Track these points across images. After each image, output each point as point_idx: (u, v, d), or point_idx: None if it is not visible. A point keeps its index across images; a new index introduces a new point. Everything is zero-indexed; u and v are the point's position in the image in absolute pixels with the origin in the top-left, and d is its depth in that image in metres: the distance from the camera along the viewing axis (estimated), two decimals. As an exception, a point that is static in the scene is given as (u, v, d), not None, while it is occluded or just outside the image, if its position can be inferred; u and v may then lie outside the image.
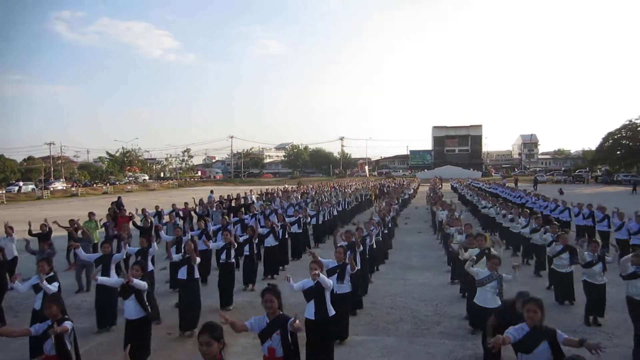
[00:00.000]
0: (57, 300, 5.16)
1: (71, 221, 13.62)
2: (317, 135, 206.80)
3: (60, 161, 74.33)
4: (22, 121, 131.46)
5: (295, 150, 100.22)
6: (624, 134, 60.48)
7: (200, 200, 20.72)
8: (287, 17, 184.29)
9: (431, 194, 26.78)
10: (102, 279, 7.04)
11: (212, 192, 27.69)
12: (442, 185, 46.25)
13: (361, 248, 8.62)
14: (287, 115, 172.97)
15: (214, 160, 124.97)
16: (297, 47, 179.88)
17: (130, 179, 72.66)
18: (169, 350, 6.95)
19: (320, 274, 5.60)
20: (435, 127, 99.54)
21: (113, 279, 7.40)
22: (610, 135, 62.73)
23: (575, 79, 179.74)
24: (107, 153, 71.26)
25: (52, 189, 58.28)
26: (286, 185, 40.31)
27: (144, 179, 76.44)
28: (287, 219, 13.89)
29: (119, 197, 22.68)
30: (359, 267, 8.32)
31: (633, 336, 6.23)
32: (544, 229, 10.74)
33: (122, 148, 72.70)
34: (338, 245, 7.52)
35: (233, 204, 22.17)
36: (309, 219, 15.85)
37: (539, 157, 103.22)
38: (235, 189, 56.42)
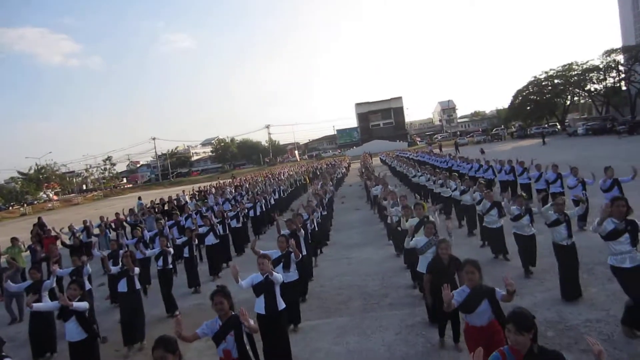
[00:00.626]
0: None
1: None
2: (242, 126, 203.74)
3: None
4: None
5: (222, 144, 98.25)
6: (531, 90, 64.75)
7: (130, 209, 19.90)
8: (196, 11, 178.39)
9: (363, 170, 27.43)
10: (37, 306, 6.58)
11: (140, 198, 26.49)
12: (372, 160, 47.45)
13: (303, 233, 8.70)
14: (208, 109, 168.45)
15: (138, 165, 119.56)
16: (209, 40, 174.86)
17: (44, 196, 68.01)
18: (120, 369, 6.70)
19: (274, 272, 5.61)
20: (357, 104, 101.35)
21: (49, 304, 6.94)
22: (519, 92, 66.92)
23: (484, 42, 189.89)
24: (19, 172, 65.87)
25: (-40, 218, 53.16)
26: (220, 181, 39.50)
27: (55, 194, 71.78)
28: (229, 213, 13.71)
29: (40, 218, 21.15)
30: (304, 253, 8.43)
31: (559, 278, 6.82)
32: (472, 190, 11.32)
33: (36, 165, 67.61)
34: (279, 234, 7.55)
35: (166, 207, 21.51)
36: (247, 211, 15.74)
37: (458, 121, 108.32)
38: (165, 192, 54.64)
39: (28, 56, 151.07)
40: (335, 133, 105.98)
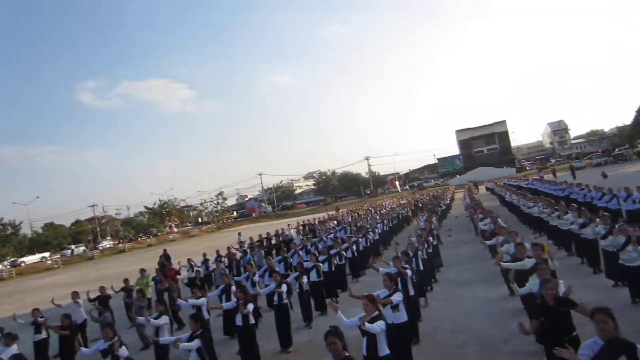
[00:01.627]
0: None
1: (125, 281, 14.11)
2: (342, 158, 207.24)
3: (104, 220, 77.06)
4: (64, 189, 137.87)
5: (323, 177, 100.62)
6: (660, 103, 57.95)
7: (241, 242, 20.97)
8: (292, 50, 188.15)
9: (468, 201, 26.35)
10: (163, 340, 7.28)
11: (239, 234, 27.18)
12: (477, 189, 45.40)
13: (409, 273, 8.50)
14: (309, 144, 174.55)
15: (246, 199, 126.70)
16: (306, 77, 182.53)
17: (167, 229, 74.78)
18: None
19: (366, 323, 5.38)
20: (458, 131, 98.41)
21: (167, 339, 7.67)
22: (644, 105, 60.06)
23: (594, 56, 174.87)
24: (145, 207, 73.51)
25: (101, 248, 60.28)
26: (327, 213, 40.23)
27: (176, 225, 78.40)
28: (331, 251, 13.84)
29: (165, 250, 23.20)
30: (411, 293, 8.25)
31: None
32: (595, 222, 10.14)
33: (159, 200, 74.96)
34: (383, 272, 7.48)
35: (273, 242, 22.35)
36: (352, 246, 15.75)
37: (572, 142, 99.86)
38: (272, 225, 57.06)
39: (152, 104, 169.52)
40: (436, 161, 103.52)
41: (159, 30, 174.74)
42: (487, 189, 46.08)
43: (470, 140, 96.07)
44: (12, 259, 52.43)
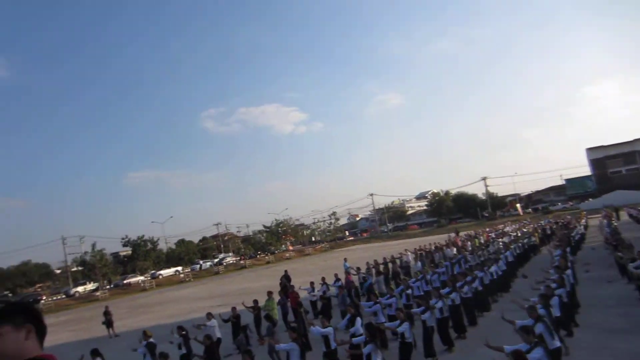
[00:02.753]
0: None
1: (255, 301, 15.07)
2: (457, 179, 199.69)
3: (226, 237, 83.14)
4: (192, 208, 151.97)
5: (437, 198, 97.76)
6: None
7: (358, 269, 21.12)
8: (402, 68, 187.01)
9: (608, 232, 23.73)
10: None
11: (345, 260, 26.16)
12: (617, 216, 40.70)
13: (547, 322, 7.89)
14: (421, 164, 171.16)
15: (357, 219, 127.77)
16: (417, 95, 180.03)
17: (283, 247, 78.20)
18: None
19: None
20: (590, 149, 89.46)
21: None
22: None
23: None
24: (264, 226, 77.94)
25: (225, 263, 64.91)
26: (448, 237, 38.84)
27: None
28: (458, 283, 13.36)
29: (286, 271, 24.28)
30: (556, 345, 7.65)
31: None
32: None
33: (275, 220, 79.05)
34: (519, 326, 7.09)
35: (390, 267, 22.16)
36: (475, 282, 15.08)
37: None
38: (383, 246, 56.78)
39: (266, 127, 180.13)
40: (564, 182, 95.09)
41: (269, 56, 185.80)
42: (631, 216, 41.03)
43: (604, 160, 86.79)
44: (152, 272, 58.65)
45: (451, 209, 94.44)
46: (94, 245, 55.56)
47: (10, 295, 61.44)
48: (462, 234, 41.96)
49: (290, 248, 79.59)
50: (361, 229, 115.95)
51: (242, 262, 64.93)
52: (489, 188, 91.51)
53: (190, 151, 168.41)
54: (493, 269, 16.11)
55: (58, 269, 78.13)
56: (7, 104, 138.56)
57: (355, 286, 18.41)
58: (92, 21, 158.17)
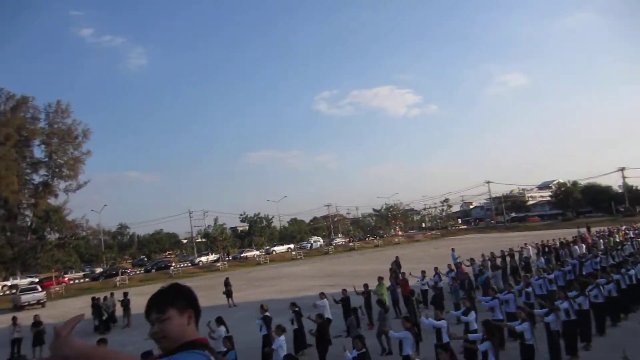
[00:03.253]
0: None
1: (365, 285, 15.22)
2: (587, 168, 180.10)
3: (336, 219, 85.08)
4: (304, 188, 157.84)
5: (563, 189, 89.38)
6: None
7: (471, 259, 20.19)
8: (527, 46, 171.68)
9: None
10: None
11: (453, 250, 25.44)
12: None
13: None
14: (546, 150, 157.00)
15: (471, 207, 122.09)
16: (544, 75, 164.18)
17: (392, 232, 77.78)
18: None
19: None
20: None
21: None
22: None
23: None
24: (373, 209, 78.20)
25: (334, 244, 66.61)
26: (577, 232, 35.72)
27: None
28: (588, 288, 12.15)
29: (397, 257, 24.08)
30: None
31: None
32: None
33: (385, 204, 78.77)
34: None
35: (508, 261, 20.84)
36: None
37: None
38: (500, 237, 53.66)
39: (379, 110, 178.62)
40: None
41: (382, 38, 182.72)
42: None
43: None
44: (266, 247, 62.23)
45: (579, 201, 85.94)
46: (216, 220, 60.34)
47: (145, 259, 69.43)
48: (593, 230, 38.07)
49: (400, 233, 78.92)
50: (475, 218, 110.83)
51: (351, 244, 66.01)
52: (627, 180, 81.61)
53: (304, 133, 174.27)
54: (633, 272, 14.38)
55: (185, 239, 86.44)
56: (145, 88, 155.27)
57: (469, 278, 17.63)
58: (216, 13, 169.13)
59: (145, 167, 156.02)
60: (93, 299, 20.56)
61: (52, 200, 59.63)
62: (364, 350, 7.69)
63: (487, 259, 20.72)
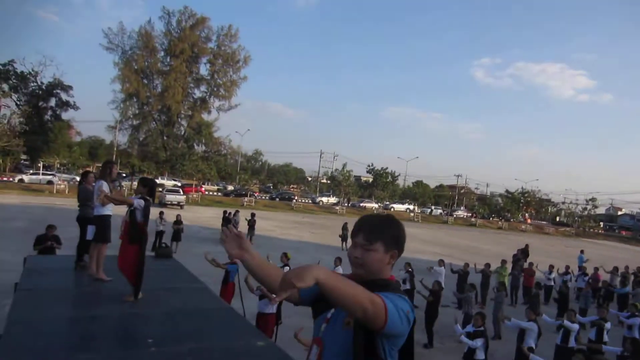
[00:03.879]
0: None
1: (487, 264, 14.41)
2: None
3: (463, 191, 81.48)
4: (436, 153, 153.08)
5: None
6: None
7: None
8: None
9: None
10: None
11: (582, 252, 22.94)
12: None
13: None
14: None
15: (619, 213, 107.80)
16: None
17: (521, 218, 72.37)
18: None
19: None
20: None
21: None
22: None
23: None
24: (506, 190, 72.98)
25: (455, 215, 64.38)
26: None
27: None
28: None
29: (527, 245, 22.47)
30: None
31: None
32: None
33: (522, 188, 72.92)
34: None
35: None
36: None
37: None
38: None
39: (541, 88, 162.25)
40: None
41: (562, 9, 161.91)
42: None
43: None
44: (386, 202, 62.26)
45: None
46: (344, 165, 61.56)
47: (272, 188, 74.10)
48: None
49: (528, 221, 73.15)
50: (620, 226, 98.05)
51: (472, 219, 63.12)
52: None
53: (452, 96, 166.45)
54: None
55: (310, 177, 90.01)
56: (308, 27, 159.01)
57: (609, 287, 15.65)
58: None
59: (290, 101, 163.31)
60: (224, 212, 22.51)
61: (205, 116, 65.84)
62: (482, 327, 7.25)
63: (632, 272, 18.23)
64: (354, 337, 1.72)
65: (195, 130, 62.04)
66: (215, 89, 65.47)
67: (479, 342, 7.19)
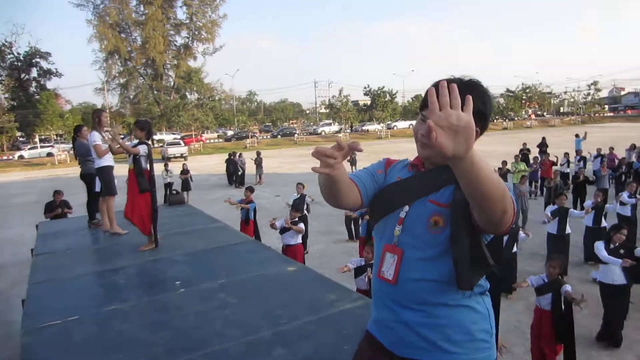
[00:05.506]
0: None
1: (503, 162, 14.14)
2: None
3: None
4: (436, 61, 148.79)
5: None
6: None
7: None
8: None
9: None
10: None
11: (577, 135, 20.92)
12: None
13: None
14: None
15: (623, 93, 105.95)
16: None
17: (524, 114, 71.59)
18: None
19: None
20: None
21: None
22: None
23: None
24: (507, 89, 71.53)
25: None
26: None
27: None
28: None
29: (543, 138, 22.16)
30: None
31: None
32: None
33: (522, 84, 71.34)
34: None
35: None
36: None
37: None
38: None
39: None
40: None
41: None
42: None
43: None
44: (388, 122, 61.42)
45: None
46: (340, 91, 60.16)
47: (272, 126, 73.20)
48: None
49: (532, 117, 72.35)
50: (625, 105, 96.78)
51: (477, 124, 62.40)
52: None
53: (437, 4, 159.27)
54: None
55: (307, 109, 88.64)
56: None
57: (627, 163, 15.11)
58: None
59: (275, 35, 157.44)
60: (229, 154, 22.19)
61: (191, 63, 63.73)
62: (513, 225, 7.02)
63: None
64: (453, 240, 1.36)
65: (185, 79, 60.37)
66: (196, 33, 62.88)
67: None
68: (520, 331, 5.72)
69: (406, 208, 1.49)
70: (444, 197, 1.41)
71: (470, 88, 1.37)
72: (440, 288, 1.42)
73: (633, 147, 17.46)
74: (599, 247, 5.78)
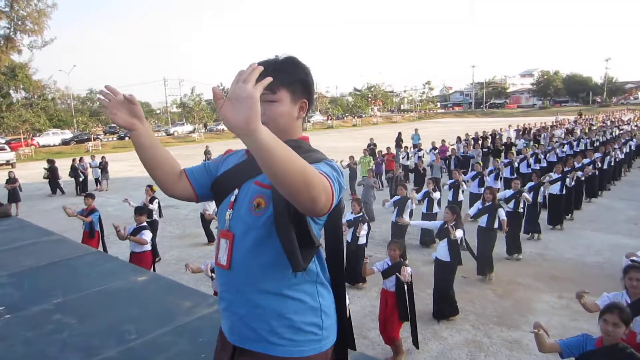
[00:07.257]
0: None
1: (351, 157, 15.03)
2: (572, 58, 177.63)
3: (315, 96, 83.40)
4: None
5: (545, 77, 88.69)
6: None
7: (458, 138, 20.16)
8: None
9: None
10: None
11: (416, 131, 25.07)
12: None
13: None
14: (535, 38, 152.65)
15: (451, 91, 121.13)
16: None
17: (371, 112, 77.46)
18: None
19: None
20: None
21: None
22: None
23: None
24: (354, 88, 76.67)
25: (312, 121, 66.10)
26: (555, 119, 36.34)
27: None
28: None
29: (399, 133, 24.31)
30: None
31: None
32: None
33: (367, 83, 77.18)
34: None
35: (492, 142, 20.88)
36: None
37: None
38: (478, 122, 54.04)
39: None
40: None
41: None
42: None
43: None
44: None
45: (559, 91, 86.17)
46: (192, 89, 58.23)
47: (118, 127, 67.88)
48: (571, 117, 38.55)
49: (378, 114, 78.63)
50: (452, 103, 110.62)
51: (329, 122, 65.62)
52: (608, 71, 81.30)
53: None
54: (613, 154, 14.75)
55: (158, 109, 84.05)
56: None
57: (456, 155, 17.26)
58: None
59: (118, 30, 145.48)
60: (73, 160, 19.94)
61: (15, 57, 55.59)
62: (361, 213, 7.51)
63: (471, 138, 20.81)
64: (276, 221, 1.32)
65: (8, 75, 52.54)
66: (19, 23, 54.95)
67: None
68: (375, 316, 6.09)
69: (236, 191, 1.48)
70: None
71: (287, 63, 1.44)
72: (271, 272, 1.39)
73: (459, 139, 19.99)
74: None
